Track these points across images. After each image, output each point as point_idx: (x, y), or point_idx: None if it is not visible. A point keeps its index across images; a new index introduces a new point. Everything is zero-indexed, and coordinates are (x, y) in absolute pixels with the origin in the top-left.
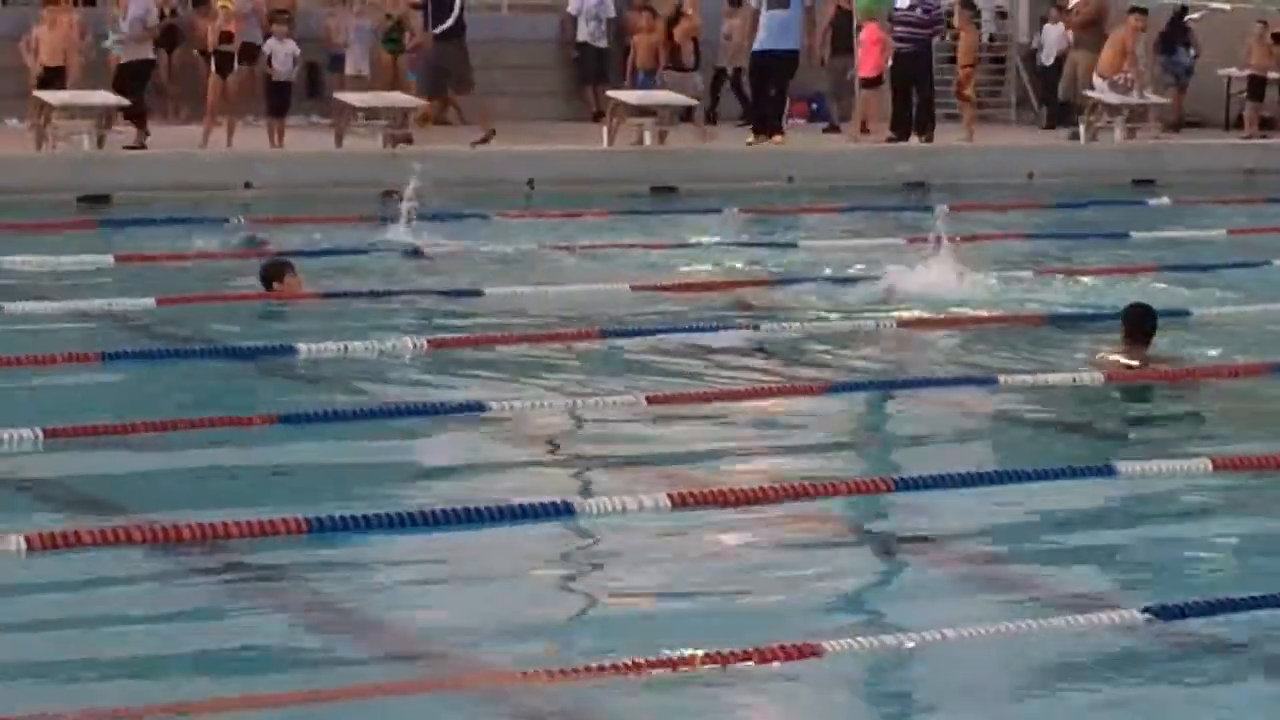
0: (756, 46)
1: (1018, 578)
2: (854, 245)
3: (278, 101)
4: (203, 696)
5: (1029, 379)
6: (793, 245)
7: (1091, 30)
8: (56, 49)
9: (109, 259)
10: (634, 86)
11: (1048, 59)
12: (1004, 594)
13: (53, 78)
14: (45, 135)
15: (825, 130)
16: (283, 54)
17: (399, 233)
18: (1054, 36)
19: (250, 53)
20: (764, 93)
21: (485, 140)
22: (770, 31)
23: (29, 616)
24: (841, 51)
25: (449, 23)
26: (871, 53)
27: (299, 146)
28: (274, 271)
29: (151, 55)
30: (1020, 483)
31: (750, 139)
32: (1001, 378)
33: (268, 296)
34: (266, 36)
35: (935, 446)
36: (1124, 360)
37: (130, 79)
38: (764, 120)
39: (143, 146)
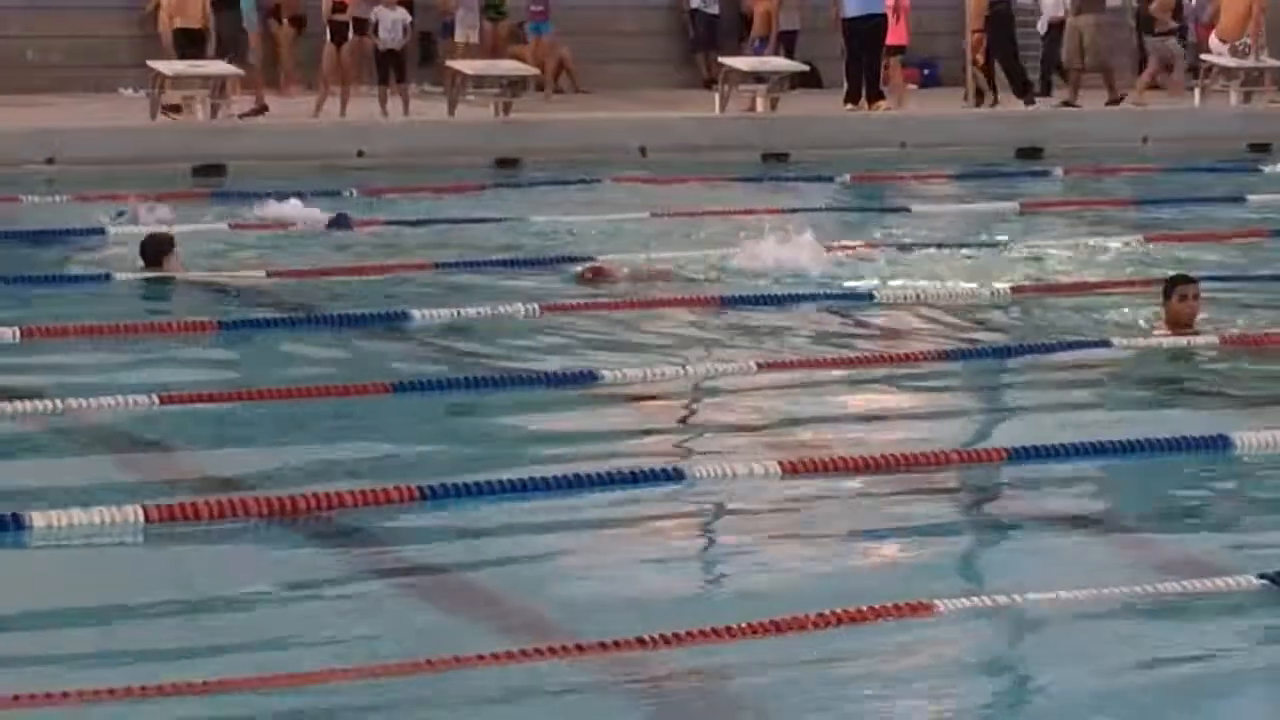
0: (846, 13)
1: (1131, 542)
2: (967, 211)
3: (385, 70)
4: (316, 666)
5: (1143, 343)
6: (905, 210)
7: None
8: (195, 11)
9: (223, 227)
10: (749, 53)
11: (1042, 27)
12: (1117, 558)
13: (191, 41)
14: (160, 104)
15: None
16: (389, 21)
17: (509, 199)
18: (1050, 2)
19: (363, 22)
20: (857, 59)
21: (256, 112)
22: None
23: (146, 588)
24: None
25: None
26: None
27: (412, 114)
28: (157, 248)
29: None
30: (1134, 451)
31: (849, 105)
32: (1116, 341)
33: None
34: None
35: (1049, 413)
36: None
37: None
38: (859, 87)
39: None
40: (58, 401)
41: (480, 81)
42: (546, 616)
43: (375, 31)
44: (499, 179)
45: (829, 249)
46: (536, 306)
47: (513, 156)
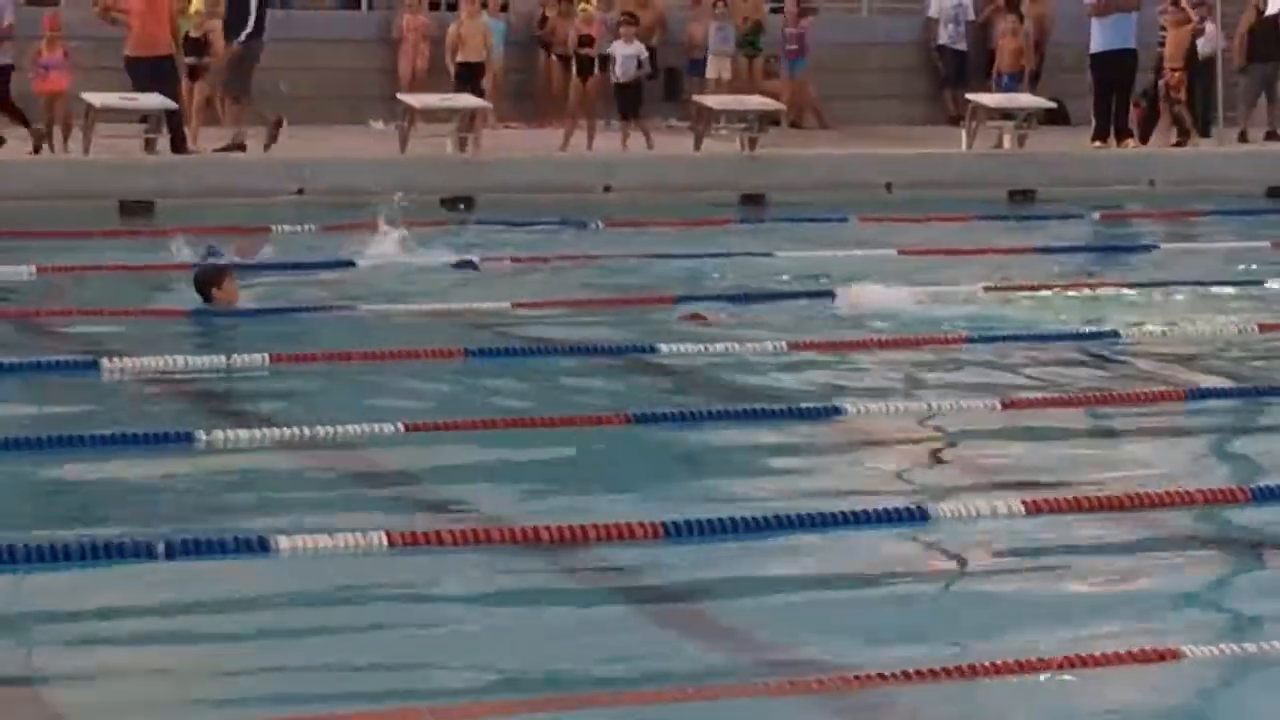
0: (1094, 49)
1: None
2: (1215, 250)
3: (620, 104)
4: (553, 694)
5: None
6: (1154, 247)
7: None
8: (476, 45)
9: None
10: (996, 89)
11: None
12: None
13: (469, 75)
14: (409, 137)
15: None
16: (623, 56)
17: (754, 235)
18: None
19: (605, 57)
20: (1105, 96)
21: (231, 148)
22: (1106, 33)
23: (389, 612)
24: (1261, 58)
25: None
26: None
27: (659, 149)
28: (211, 278)
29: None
30: None
31: (1096, 142)
32: None
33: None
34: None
35: None
36: None
37: None
38: (1107, 124)
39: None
40: (304, 428)
41: (727, 117)
42: (782, 652)
43: (613, 66)
44: (744, 215)
45: (1076, 286)
46: (782, 342)
47: (758, 192)
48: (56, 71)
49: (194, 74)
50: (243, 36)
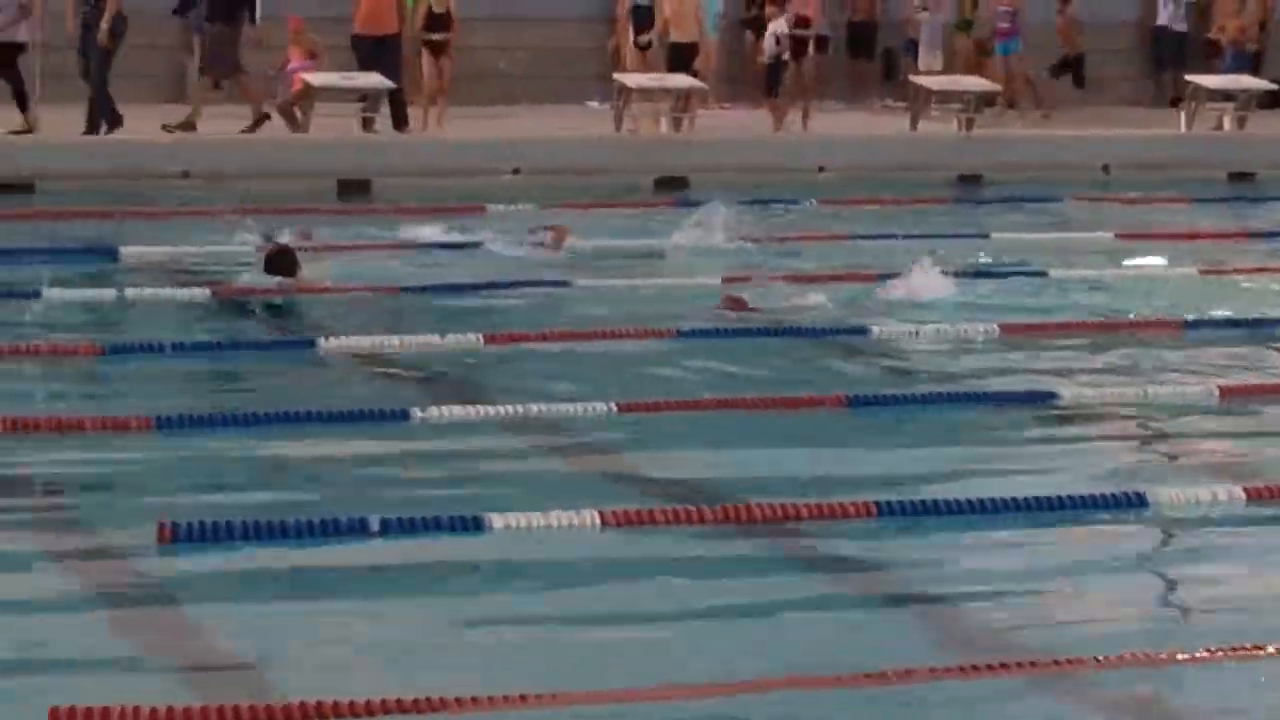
0: None
1: None
2: None
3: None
4: (760, 675)
5: None
6: None
7: None
8: (689, 25)
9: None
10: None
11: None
12: None
13: (682, 55)
14: (623, 117)
15: None
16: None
17: (970, 216)
18: None
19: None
20: None
21: (254, 127)
22: None
23: (601, 591)
24: None
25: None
26: None
27: (874, 130)
28: (283, 264)
29: (23, 38)
30: None
31: None
32: None
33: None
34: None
35: None
36: None
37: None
38: None
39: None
40: (517, 407)
41: (944, 97)
42: (997, 636)
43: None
44: (960, 195)
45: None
46: (994, 323)
47: (975, 173)
48: (301, 74)
49: (436, 50)
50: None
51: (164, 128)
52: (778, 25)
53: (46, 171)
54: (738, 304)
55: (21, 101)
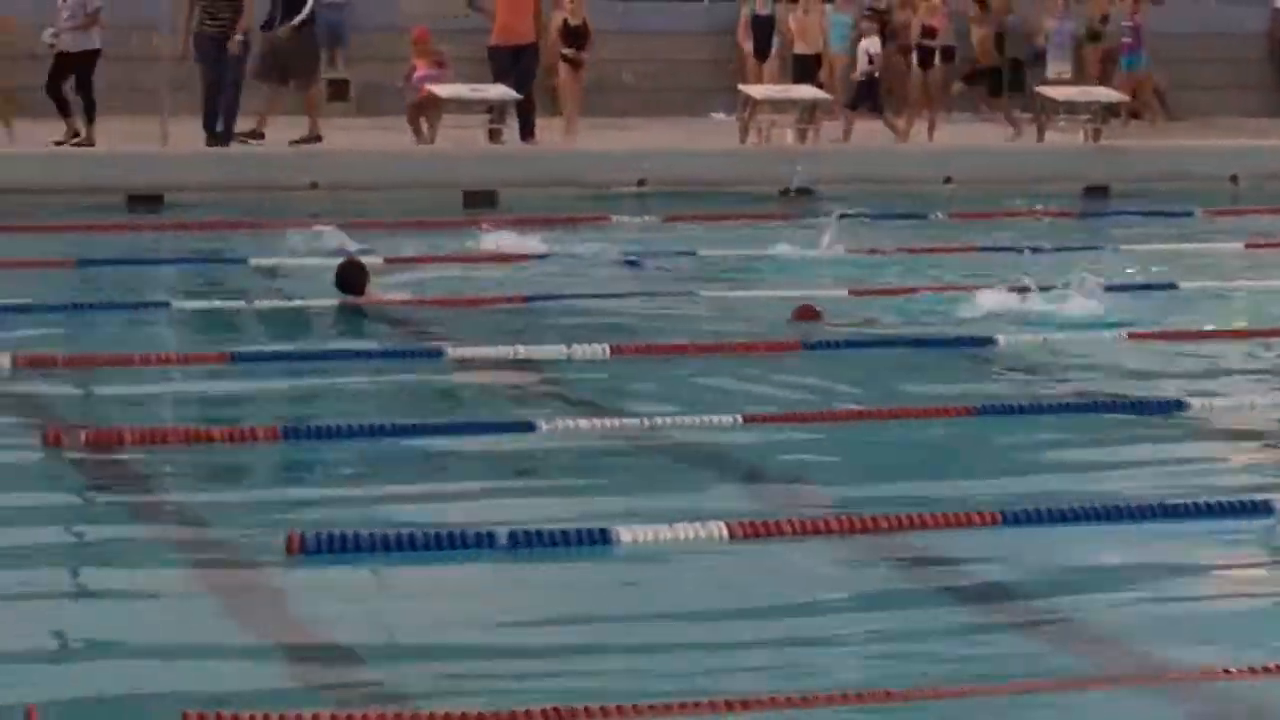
0: None
1: None
2: None
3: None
4: (879, 685)
5: None
6: None
7: None
8: (814, 37)
9: (810, 253)
10: None
11: None
12: None
13: (807, 65)
14: (749, 128)
15: None
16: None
17: (1097, 227)
18: None
19: (949, 50)
20: None
21: (305, 141)
22: None
23: (728, 603)
24: None
25: (303, 15)
26: None
27: (994, 141)
28: (353, 278)
29: (96, 45)
30: None
31: None
32: None
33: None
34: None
35: None
36: None
37: (72, 70)
38: None
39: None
40: (643, 419)
41: (1070, 108)
42: (1118, 644)
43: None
44: (1087, 206)
45: None
46: (1123, 333)
47: (1102, 184)
48: (430, 84)
49: (573, 63)
50: (296, 22)
51: (254, 132)
52: (870, 43)
53: (176, 183)
54: (810, 314)
55: (89, 112)
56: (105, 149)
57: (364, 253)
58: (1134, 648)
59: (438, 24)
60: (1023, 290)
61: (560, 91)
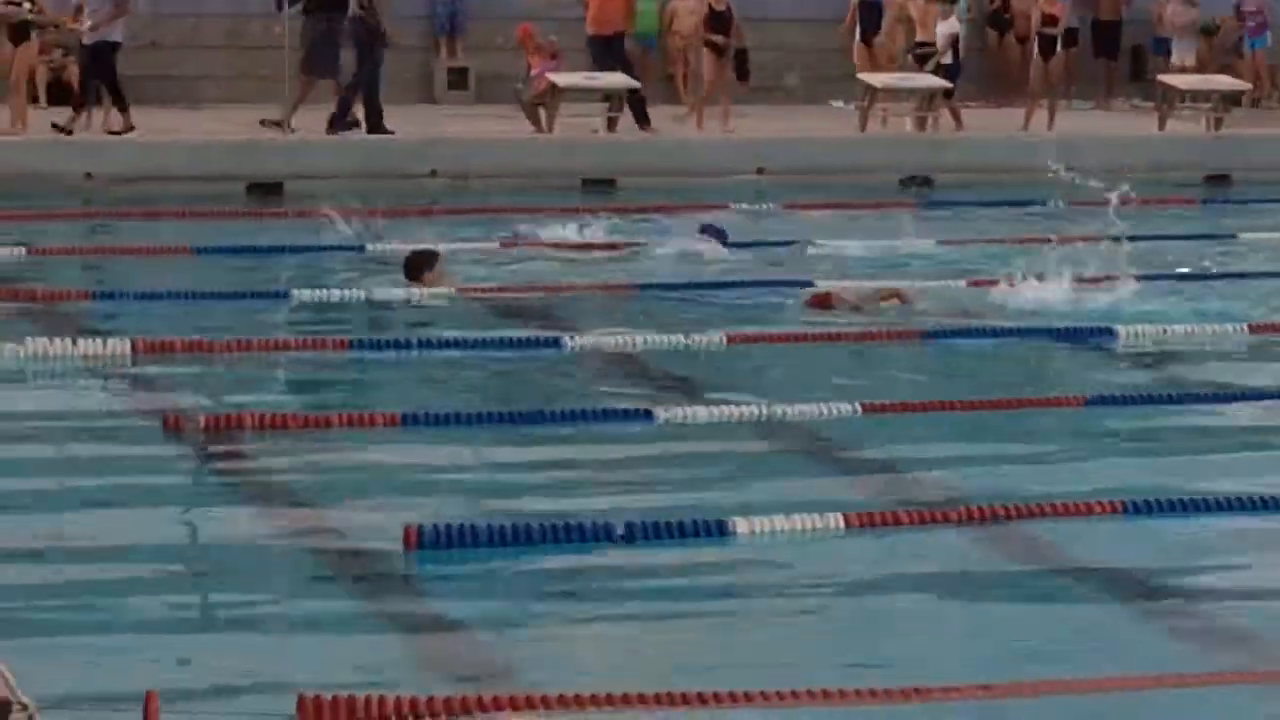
0: None
1: None
2: None
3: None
4: (1001, 677)
5: None
6: None
7: None
8: (931, 25)
9: (930, 243)
10: None
11: None
12: None
13: (925, 53)
14: (869, 116)
15: None
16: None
17: (1219, 216)
18: None
19: (1072, 35)
20: None
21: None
22: None
23: (846, 594)
24: None
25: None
26: None
27: (1122, 129)
28: (419, 262)
29: (118, 38)
30: None
31: None
32: None
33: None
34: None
35: None
36: None
37: (96, 61)
38: None
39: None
40: (761, 408)
41: (1191, 96)
42: (1245, 637)
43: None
44: (1208, 195)
45: None
46: (1243, 325)
47: (1223, 173)
48: (545, 76)
49: (717, 50)
50: (299, 7)
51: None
52: (948, 25)
53: (296, 171)
54: (824, 302)
55: (119, 101)
56: (225, 138)
57: (475, 240)
58: (1260, 642)
59: (549, 13)
60: (1140, 280)
61: (705, 79)
